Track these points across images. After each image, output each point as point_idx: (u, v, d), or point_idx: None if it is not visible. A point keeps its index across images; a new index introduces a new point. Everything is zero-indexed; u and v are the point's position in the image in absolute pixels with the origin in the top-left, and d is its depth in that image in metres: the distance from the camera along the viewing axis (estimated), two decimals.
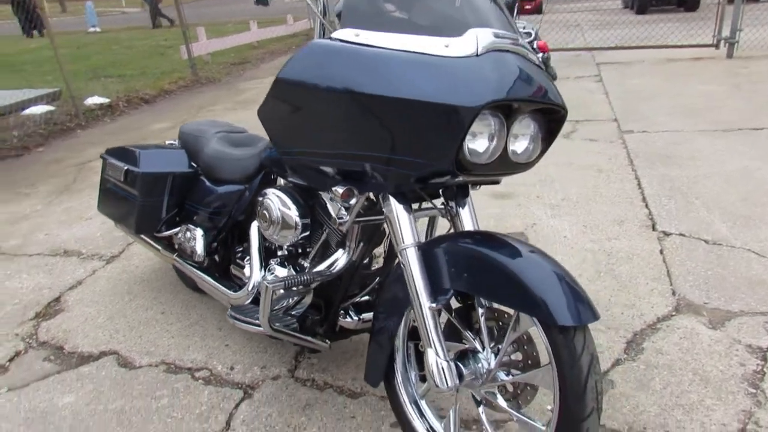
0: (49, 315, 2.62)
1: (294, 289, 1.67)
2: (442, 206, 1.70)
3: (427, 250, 1.51)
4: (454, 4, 1.43)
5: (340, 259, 1.71)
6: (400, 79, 1.30)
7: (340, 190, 1.53)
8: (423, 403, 1.70)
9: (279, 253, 1.97)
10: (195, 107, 6.67)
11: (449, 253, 1.48)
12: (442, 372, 1.41)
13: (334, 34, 1.38)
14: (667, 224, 3.02)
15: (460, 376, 1.46)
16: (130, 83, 7.97)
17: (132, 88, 7.51)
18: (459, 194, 1.67)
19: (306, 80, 1.40)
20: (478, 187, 1.73)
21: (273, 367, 2.14)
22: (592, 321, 1.31)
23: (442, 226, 1.77)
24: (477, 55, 1.33)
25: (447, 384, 1.41)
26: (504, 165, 1.46)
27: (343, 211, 1.60)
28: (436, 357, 1.42)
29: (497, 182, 1.73)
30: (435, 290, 1.47)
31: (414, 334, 1.66)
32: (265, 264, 1.95)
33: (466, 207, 1.67)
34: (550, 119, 1.50)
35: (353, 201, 1.56)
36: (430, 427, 1.66)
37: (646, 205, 3.25)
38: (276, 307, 1.87)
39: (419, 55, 1.31)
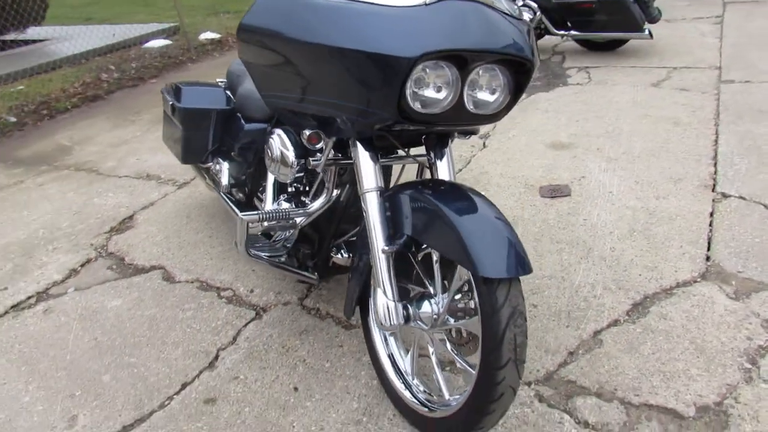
0: (121, 230, 2.99)
1: (275, 223, 1.81)
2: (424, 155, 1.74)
3: (388, 196, 1.57)
4: None
5: (319, 199, 1.82)
6: (345, 29, 1.34)
7: (307, 133, 1.62)
8: (390, 338, 1.80)
9: (288, 189, 2.11)
10: None
11: (406, 200, 1.53)
12: (387, 311, 1.50)
13: None
14: (728, 186, 2.79)
15: (408, 317, 1.54)
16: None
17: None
18: (438, 144, 1.70)
19: (263, 27, 1.48)
20: (453, 137, 1.74)
21: (286, 294, 2.33)
22: (516, 275, 1.33)
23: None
24: (426, 5, 1.34)
25: (390, 323, 1.50)
26: (461, 116, 1.46)
27: (318, 153, 1.70)
28: (384, 297, 1.51)
29: (474, 132, 1.73)
30: (391, 234, 1.54)
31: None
32: (277, 199, 2.11)
33: (444, 157, 1.69)
34: (518, 71, 1.47)
35: (320, 144, 1.64)
36: (395, 362, 1.77)
37: (714, 164, 3.00)
38: (276, 239, 2.03)
39: (367, 5, 1.34)
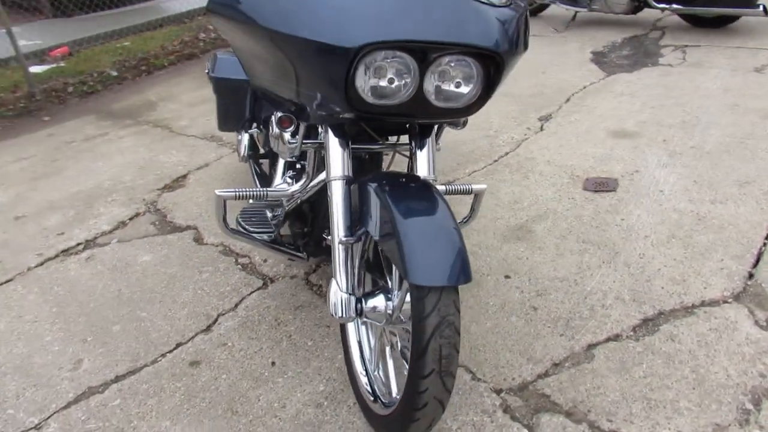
0: (172, 188, 3.17)
1: (252, 201, 1.83)
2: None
3: (356, 186, 1.54)
4: None
5: (298, 181, 1.81)
6: (292, 15, 1.31)
7: (278, 115, 1.61)
8: (362, 326, 1.79)
9: (296, 167, 2.13)
10: None
11: (369, 193, 1.49)
12: (339, 303, 1.49)
13: None
14: None
15: (361, 311, 1.52)
16: None
17: None
18: (419, 135, 1.63)
19: (223, 11, 1.47)
20: (436, 128, 1.65)
21: (296, 268, 2.37)
22: (448, 284, 1.26)
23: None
24: None
25: (341, 315, 1.48)
26: (425, 109, 1.40)
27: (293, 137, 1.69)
28: (337, 288, 1.49)
29: (456, 124, 1.64)
30: (352, 225, 1.52)
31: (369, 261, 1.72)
32: (284, 176, 2.14)
33: (425, 149, 1.62)
34: (489, 63, 1.36)
35: (291, 128, 1.63)
36: (362, 349, 1.76)
37: None
38: (273, 216, 2.06)
39: None
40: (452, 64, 1.36)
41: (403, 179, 1.52)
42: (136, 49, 5.82)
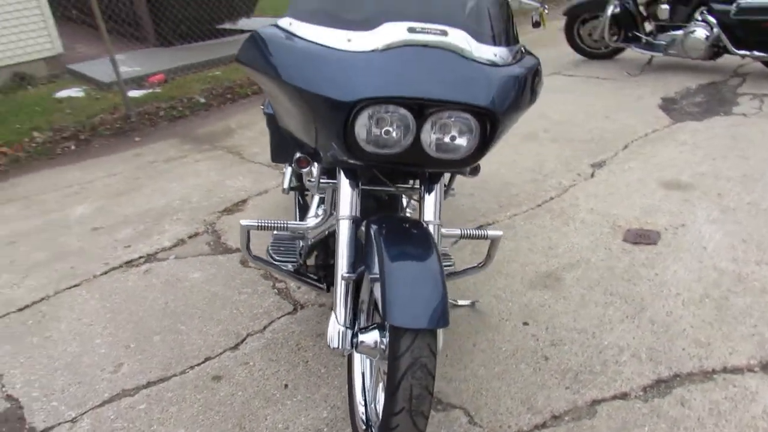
0: (231, 212, 3.41)
1: (275, 232, 1.97)
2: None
3: (362, 225, 1.64)
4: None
5: (317, 217, 1.93)
6: (301, 70, 1.45)
7: (297, 155, 1.74)
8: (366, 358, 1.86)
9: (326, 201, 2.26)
10: None
11: (371, 233, 1.59)
12: (336, 335, 1.58)
13: (279, 21, 1.56)
14: None
15: (356, 345, 1.60)
16: None
17: None
18: (428, 181, 1.71)
19: (249, 63, 1.62)
20: (444, 176, 1.73)
21: (324, 297, 2.49)
22: (422, 327, 1.32)
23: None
24: (379, 51, 1.38)
25: (337, 346, 1.58)
26: (423, 159, 1.48)
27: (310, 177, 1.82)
28: (335, 321, 1.59)
29: (466, 173, 1.71)
30: (355, 262, 1.62)
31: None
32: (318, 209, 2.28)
33: (432, 194, 1.70)
34: (484, 119, 1.43)
35: (306, 169, 1.76)
36: (365, 379, 1.83)
37: None
38: (301, 247, 2.19)
39: (324, 48, 1.42)
40: (448, 119, 1.44)
41: (406, 223, 1.61)
42: (224, 78, 6.26)
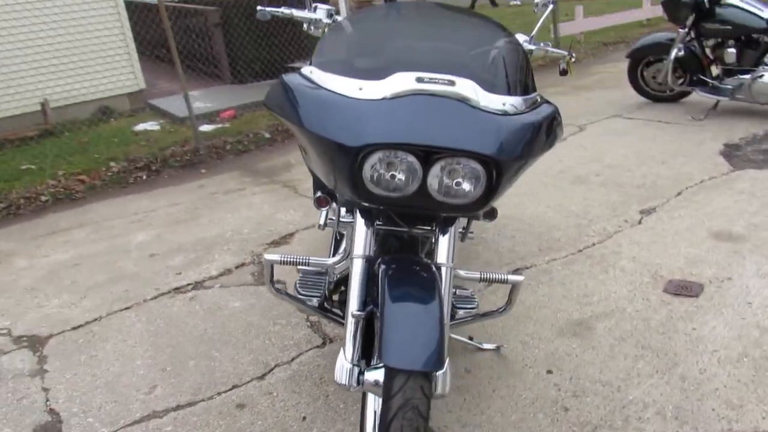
0: (278, 244, 3.53)
1: (302, 267, 2.03)
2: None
3: (374, 265, 1.69)
4: (400, 50, 1.53)
5: (340, 254, 1.99)
6: (316, 115, 1.53)
7: (318, 194, 1.82)
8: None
9: None
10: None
11: (380, 273, 1.63)
12: (343, 371, 1.62)
13: (302, 69, 1.66)
14: None
15: (361, 382, 1.63)
16: None
17: None
18: (442, 224, 1.74)
19: (274, 107, 1.72)
20: (459, 220, 1.75)
21: None
22: (415, 369, 1.34)
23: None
24: (387, 99, 1.44)
25: (344, 383, 1.61)
26: (430, 203, 1.52)
27: (332, 215, 1.88)
28: (343, 357, 1.63)
29: (480, 217, 1.72)
30: (366, 300, 1.66)
31: None
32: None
33: (445, 237, 1.73)
34: (490, 166, 1.46)
35: (325, 208, 1.83)
36: (376, 418, 1.85)
37: None
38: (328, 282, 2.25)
39: (337, 96, 1.50)
40: (454, 165, 1.48)
41: (415, 265, 1.64)
42: None
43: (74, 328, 2.83)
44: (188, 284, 3.14)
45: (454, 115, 1.44)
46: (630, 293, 2.55)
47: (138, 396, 2.29)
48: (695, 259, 2.75)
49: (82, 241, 3.93)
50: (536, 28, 2.04)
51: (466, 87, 1.47)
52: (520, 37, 2.02)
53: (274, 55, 7.46)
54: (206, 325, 2.72)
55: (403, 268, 1.61)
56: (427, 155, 1.46)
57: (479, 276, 2.02)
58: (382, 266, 1.62)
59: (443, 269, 1.71)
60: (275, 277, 2.02)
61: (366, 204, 1.56)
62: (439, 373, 1.63)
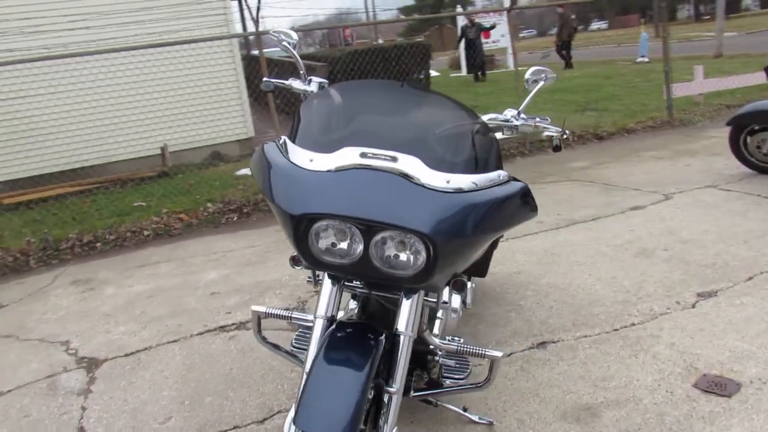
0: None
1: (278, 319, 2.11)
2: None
3: (332, 326, 1.75)
4: (355, 125, 1.61)
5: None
6: (272, 184, 1.65)
7: (293, 254, 1.91)
8: None
9: None
10: (631, 150, 6.62)
11: (325, 334, 1.69)
12: (286, 428, 1.68)
13: (280, 139, 1.78)
14: None
15: None
16: (604, 118, 8.37)
17: (597, 124, 7.93)
18: (407, 292, 1.76)
19: (253, 171, 1.85)
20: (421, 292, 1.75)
21: None
22: None
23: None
24: (332, 171, 1.53)
25: None
26: (371, 271, 1.58)
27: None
28: (290, 416, 1.69)
29: (427, 290, 1.72)
30: None
31: None
32: None
33: (407, 304, 1.74)
34: (429, 242, 1.49)
35: (299, 267, 1.91)
36: None
37: None
38: None
39: (292, 166, 1.61)
40: (390, 238, 1.52)
41: (367, 332, 1.67)
42: None
43: (126, 355, 3.13)
44: (233, 324, 3.35)
45: (391, 191, 1.49)
46: (654, 383, 2.35)
47: (153, 425, 2.48)
48: (742, 354, 2.47)
49: (164, 275, 4.33)
50: (524, 103, 2.03)
51: (408, 163, 1.52)
52: (508, 113, 2.02)
53: None
54: (233, 365, 2.89)
55: (348, 333, 1.65)
56: (369, 226, 1.51)
57: (456, 348, 2.00)
58: (333, 329, 1.67)
59: (402, 338, 1.72)
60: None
61: (314, 268, 1.64)
62: None
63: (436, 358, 2.10)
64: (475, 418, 2.23)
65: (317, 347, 1.58)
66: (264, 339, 2.20)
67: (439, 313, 2.34)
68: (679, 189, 4.81)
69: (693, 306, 2.92)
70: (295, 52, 2.11)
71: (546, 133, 2.08)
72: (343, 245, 1.56)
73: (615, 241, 3.85)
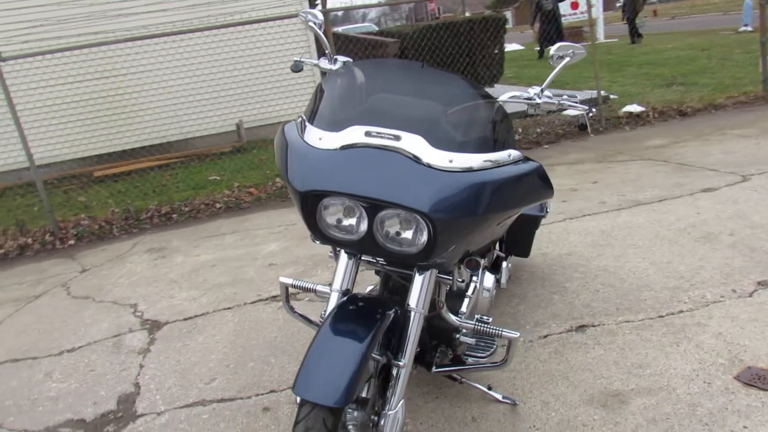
0: None
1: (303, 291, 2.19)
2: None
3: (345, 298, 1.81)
4: (364, 104, 1.64)
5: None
6: (287, 161, 1.70)
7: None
8: None
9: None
10: (716, 128, 6.20)
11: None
12: None
13: (298, 120, 1.83)
14: None
15: None
16: (691, 93, 7.87)
17: (681, 100, 7.48)
18: (419, 269, 1.79)
19: (275, 148, 1.90)
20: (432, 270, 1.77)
21: None
22: (314, 401, 1.44)
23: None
24: (338, 150, 1.57)
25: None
26: (376, 248, 1.62)
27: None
28: None
29: (425, 267, 1.73)
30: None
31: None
32: None
33: (417, 281, 1.78)
34: (426, 221, 1.51)
35: (318, 242, 1.97)
36: None
37: None
38: None
39: (303, 144, 1.66)
40: (393, 215, 1.55)
41: (376, 305, 1.72)
42: None
43: (185, 319, 3.35)
44: (273, 296, 3.49)
45: (392, 169, 1.51)
46: (692, 372, 2.26)
47: (199, 385, 2.66)
48: None
49: (229, 246, 4.57)
50: (548, 80, 1.96)
51: (410, 143, 1.53)
52: (532, 90, 1.97)
53: None
54: (278, 333, 3.03)
55: (360, 306, 1.70)
56: (373, 204, 1.55)
57: (473, 326, 2.01)
58: (343, 300, 1.74)
59: (412, 314, 1.76)
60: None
61: (324, 243, 1.70)
62: (391, 412, 1.70)
63: (458, 336, 2.11)
64: (499, 396, 2.24)
65: (327, 317, 1.64)
66: (291, 309, 2.30)
67: (469, 291, 2.35)
68: (759, 170, 4.48)
69: (750, 295, 2.75)
70: (320, 32, 2.15)
71: (572, 112, 2.01)
72: (349, 222, 1.61)
73: (678, 225, 3.66)
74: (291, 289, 2.27)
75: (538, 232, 3.02)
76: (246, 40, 6.99)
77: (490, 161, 1.59)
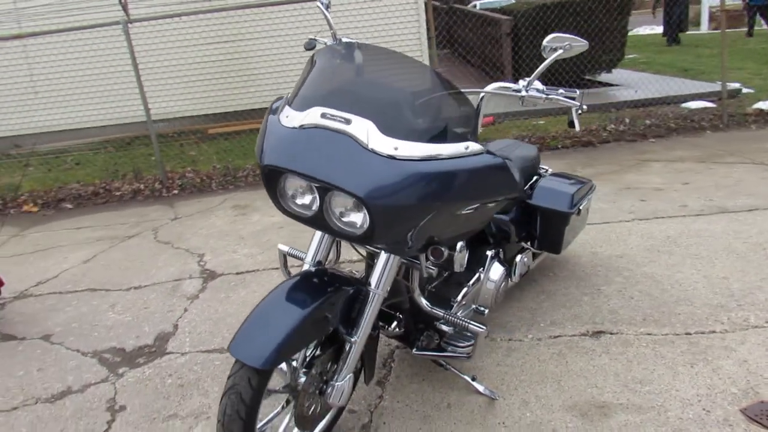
0: None
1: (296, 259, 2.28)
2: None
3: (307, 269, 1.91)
4: (329, 87, 1.68)
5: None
6: (260, 135, 1.78)
7: None
8: None
9: None
10: None
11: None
12: None
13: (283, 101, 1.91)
14: None
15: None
16: None
17: None
18: (382, 252, 1.84)
19: None
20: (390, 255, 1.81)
21: None
22: (242, 360, 1.56)
23: None
24: (299, 128, 1.65)
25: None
26: (327, 226, 1.70)
27: None
28: None
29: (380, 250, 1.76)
30: None
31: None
32: None
33: (380, 262, 1.83)
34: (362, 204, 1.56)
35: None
36: None
37: None
38: None
39: (274, 121, 1.74)
40: (337, 197, 1.60)
41: (331, 279, 1.80)
42: (543, 128, 6.47)
43: (237, 273, 3.63)
44: None
45: (339, 151, 1.56)
46: (695, 397, 2.09)
47: (224, 334, 2.91)
48: None
49: None
50: (536, 73, 1.86)
51: (359, 127, 1.56)
52: (521, 82, 1.88)
53: (567, 66, 7.28)
54: None
55: (317, 277, 1.79)
56: (324, 185, 1.61)
57: (442, 315, 2.02)
58: (304, 269, 1.83)
59: (370, 293, 1.81)
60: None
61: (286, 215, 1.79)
62: (338, 383, 1.79)
63: (437, 323, 2.13)
64: (480, 388, 2.23)
65: (278, 287, 1.75)
66: (289, 274, 2.42)
67: (471, 281, 2.34)
68: None
69: None
70: (327, 12, 2.20)
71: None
72: (304, 200, 1.69)
73: (756, 239, 3.30)
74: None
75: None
76: (358, 15, 7.15)
77: (442, 152, 1.58)
